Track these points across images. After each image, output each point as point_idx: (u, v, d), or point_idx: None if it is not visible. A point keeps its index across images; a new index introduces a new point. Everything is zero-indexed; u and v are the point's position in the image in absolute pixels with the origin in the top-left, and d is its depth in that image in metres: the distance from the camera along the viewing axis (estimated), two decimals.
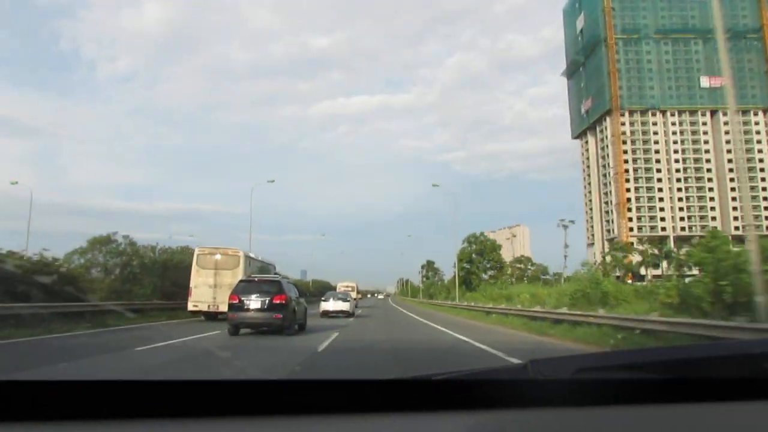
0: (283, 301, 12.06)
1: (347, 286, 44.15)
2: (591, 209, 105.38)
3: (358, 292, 49.77)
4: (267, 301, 11.91)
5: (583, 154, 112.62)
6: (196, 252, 16.77)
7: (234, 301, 12.07)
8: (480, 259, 49.61)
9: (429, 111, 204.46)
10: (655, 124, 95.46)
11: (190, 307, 16.06)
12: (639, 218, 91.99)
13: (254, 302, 11.95)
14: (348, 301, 22.23)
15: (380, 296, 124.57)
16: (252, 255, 19.15)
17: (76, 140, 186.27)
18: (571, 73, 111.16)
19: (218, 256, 16.47)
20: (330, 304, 21.68)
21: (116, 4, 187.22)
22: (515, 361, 5.94)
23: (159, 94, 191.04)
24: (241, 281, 12.96)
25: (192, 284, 16.20)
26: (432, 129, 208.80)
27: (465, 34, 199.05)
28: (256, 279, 13.02)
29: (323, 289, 55.76)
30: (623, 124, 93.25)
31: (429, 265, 80.00)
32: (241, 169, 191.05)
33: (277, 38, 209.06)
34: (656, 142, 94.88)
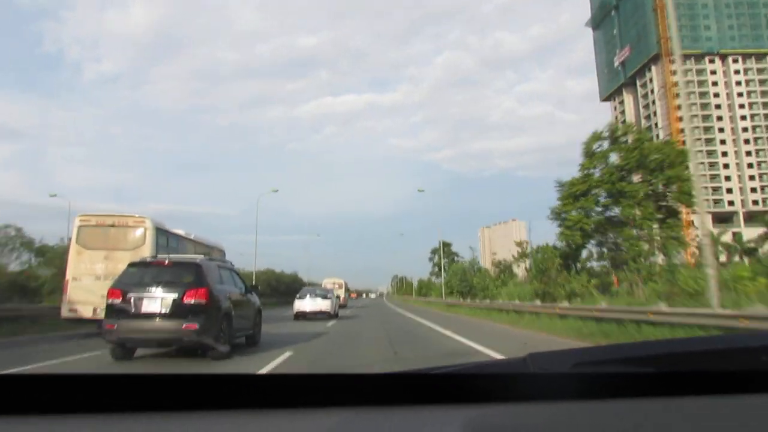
0: (203, 300, 8.38)
1: (334, 284, 43.01)
2: None
3: (347, 290, 49.23)
4: (173, 300, 8.29)
5: (616, 118, 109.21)
6: (77, 222, 12.70)
7: (115, 300, 8.42)
8: (637, 188, 21.97)
9: (417, 110, 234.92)
10: (713, 72, 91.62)
11: (65, 312, 12.11)
12: None
13: (150, 301, 8.29)
14: (329, 299, 21.16)
15: (372, 296, 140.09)
16: (181, 232, 15.14)
17: (61, 143, 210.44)
18: (599, 20, 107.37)
19: (112, 229, 12.43)
20: (306, 303, 20.63)
21: (101, 4, 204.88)
22: None
23: (146, 95, 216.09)
24: (131, 266, 9.14)
25: (69, 275, 12.27)
26: (420, 128, 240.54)
27: (453, 32, 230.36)
28: (163, 261, 9.14)
29: (284, 286, 52.07)
30: (674, 72, 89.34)
31: (445, 249, 66.75)
32: (230, 171, 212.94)
33: (265, 38, 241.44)
34: (716, 95, 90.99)
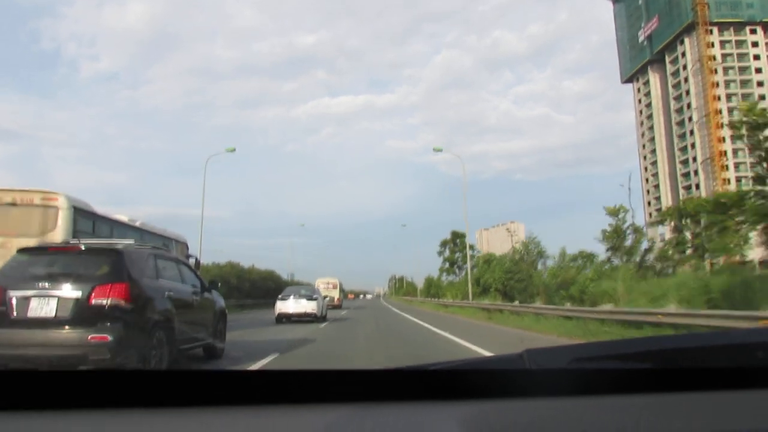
0: (122, 300, 6.36)
1: (328, 284, 43.76)
2: (655, 175, 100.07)
3: (341, 291, 49.24)
4: (76, 300, 6.23)
5: (639, 100, 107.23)
6: None
7: None
8: None
9: (415, 111, 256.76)
10: (755, 44, 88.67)
11: None
12: (738, 179, 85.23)
13: (40, 302, 6.29)
14: (315, 299, 20.73)
15: (369, 296, 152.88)
16: (122, 218, 12.94)
17: (57, 143, 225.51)
18: None
19: (13, 210, 10.26)
20: (289, 305, 20.30)
21: (98, 2, 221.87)
22: None
23: (142, 95, 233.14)
24: (20, 252, 7.12)
25: None
26: (418, 129, 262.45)
27: (450, 32, 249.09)
28: (70, 247, 7.13)
29: (249, 284, 47.44)
30: (711, 45, 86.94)
31: (460, 240, 57.67)
32: (226, 173, 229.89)
33: (262, 37, 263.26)
34: (759, 70, 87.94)
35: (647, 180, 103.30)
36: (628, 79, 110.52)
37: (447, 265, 62.35)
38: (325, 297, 26.53)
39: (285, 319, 19.99)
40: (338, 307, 42.36)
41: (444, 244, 63.60)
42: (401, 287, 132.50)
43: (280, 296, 21.12)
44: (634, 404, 1.02)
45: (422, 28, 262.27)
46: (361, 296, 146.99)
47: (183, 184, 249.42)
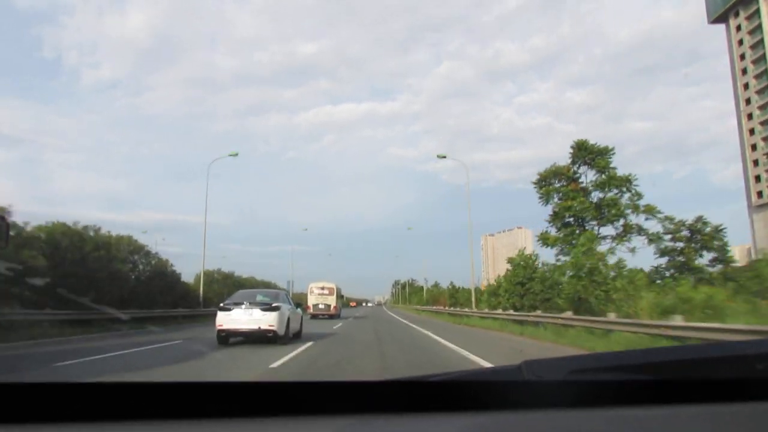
0: None
1: (323, 288, 44.33)
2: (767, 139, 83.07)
3: (339, 297, 48.60)
4: None
5: (736, 46, 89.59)
6: None
7: None
8: None
9: (416, 120, 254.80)
10: None
11: None
12: None
13: None
14: (275, 309, 16.33)
15: (370, 304, 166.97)
16: None
17: (58, 149, 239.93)
18: None
19: None
20: (235, 317, 16.11)
21: (99, 11, 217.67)
22: None
23: (143, 102, 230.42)
24: None
25: None
26: (419, 137, 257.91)
27: (453, 42, 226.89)
28: None
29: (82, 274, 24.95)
30: None
31: (595, 159, 34.04)
32: (226, 179, 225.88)
33: (264, 46, 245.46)
34: None
35: (754, 147, 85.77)
36: (720, 17, 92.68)
37: (558, 225, 34.52)
38: (298, 306, 22.26)
39: (229, 336, 16.33)
40: (335, 316, 41.38)
41: (545, 177, 35.03)
42: (415, 293, 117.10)
43: (223, 303, 17.14)
44: (633, 416, 1.10)
45: (424, 38, 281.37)
46: (364, 303, 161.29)
47: (181, 190, 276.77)
